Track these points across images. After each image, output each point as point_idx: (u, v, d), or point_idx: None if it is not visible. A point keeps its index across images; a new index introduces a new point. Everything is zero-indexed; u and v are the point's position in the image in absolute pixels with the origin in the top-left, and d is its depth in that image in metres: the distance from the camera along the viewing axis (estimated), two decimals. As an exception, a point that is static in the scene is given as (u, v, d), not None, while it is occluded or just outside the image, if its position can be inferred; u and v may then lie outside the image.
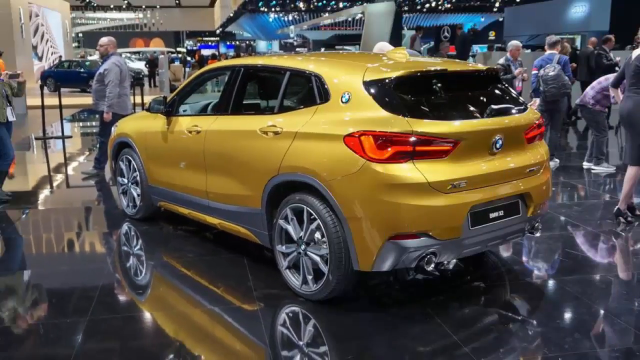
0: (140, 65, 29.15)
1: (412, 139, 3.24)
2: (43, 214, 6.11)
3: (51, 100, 12.15)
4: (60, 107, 10.91)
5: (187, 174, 4.69)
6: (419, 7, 43.58)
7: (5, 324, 3.55)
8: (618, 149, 9.33)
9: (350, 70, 3.75)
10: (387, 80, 3.48)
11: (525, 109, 3.85)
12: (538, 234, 3.97)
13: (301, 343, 3.28)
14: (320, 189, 3.45)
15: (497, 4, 41.03)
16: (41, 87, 11.73)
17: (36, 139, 10.76)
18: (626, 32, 14.74)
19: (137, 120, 5.61)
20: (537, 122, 3.86)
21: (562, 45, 8.31)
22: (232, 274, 4.20)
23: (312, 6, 46.94)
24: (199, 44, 58.29)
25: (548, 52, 7.69)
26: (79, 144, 11.09)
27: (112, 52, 7.35)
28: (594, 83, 7.58)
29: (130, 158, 5.39)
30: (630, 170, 5.33)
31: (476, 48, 25.06)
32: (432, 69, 3.76)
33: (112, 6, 48.01)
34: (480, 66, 4.11)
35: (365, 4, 23.54)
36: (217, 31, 59.33)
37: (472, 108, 3.62)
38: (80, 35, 52.59)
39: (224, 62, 5.30)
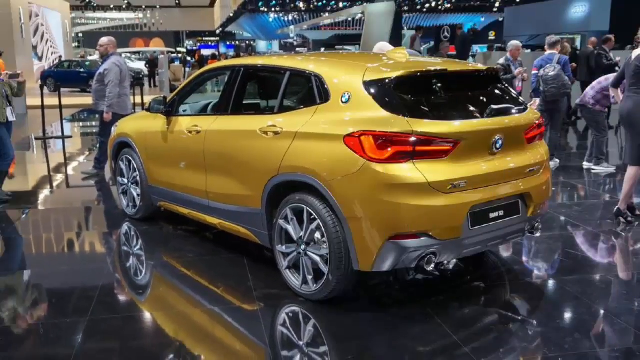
0: (140, 65, 29.14)
1: (412, 139, 3.24)
2: (43, 214, 6.11)
3: (51, 100, 12.15)
4: (60, 107, 10.91)
5: (187, 174, 4.69)
6: (419, 7, 43.58)
7: (6, 324, 3.55)
8: (618, 149, 9.33)
9: (350, 70, 3.75)
10: (387, 80, 3.48)
11: (525, 109, 3.85)
12: (538, 234, 3.97)
13: (301, 343, 3.28)
14: (320, 189, 3.45)
15: (497, 4, 41.02)
16: (41, 87, 11.73)
17: (36, 139, 10.76)
18: (626, 32, 14.74)
19: (137, 120, 5.61)
20: (537, 122, 3.86)
21: (562, 45, 8.31)
22: (232, 274, 4.20)
23: (312, 6, 46.92)
24: (199, 44, 58.27)
25: (548, 52, 7.69)
26: (79, 144, 11.09)
27: (112, 52, 7.35)
28: (594, 83, 7.57)
29: (130, 158, 5.39)
30: (630, 170, 5.33)
31: (476, 48, 25.06)
32: (432, 69, 3.76)
33: (112, 6, 48.01)
34: (480, 66, 4.11)
35: (365, 4, 23.54)
36: (217, 31, 59.33)
37: (472, 108, 3.62)
38: (80, 35, 52.59)
39: (224, 62, 5.29)
